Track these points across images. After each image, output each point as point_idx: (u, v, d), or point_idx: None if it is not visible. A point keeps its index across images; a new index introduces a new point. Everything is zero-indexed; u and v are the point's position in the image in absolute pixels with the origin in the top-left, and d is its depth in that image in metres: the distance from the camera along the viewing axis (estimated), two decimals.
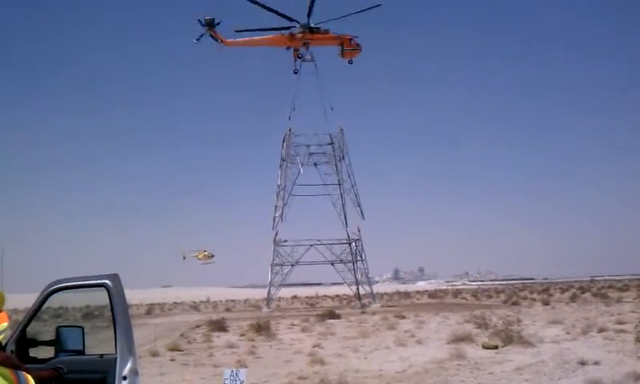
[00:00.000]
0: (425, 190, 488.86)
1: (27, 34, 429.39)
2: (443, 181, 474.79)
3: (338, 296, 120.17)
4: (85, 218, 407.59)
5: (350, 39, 69.94)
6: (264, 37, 69.45)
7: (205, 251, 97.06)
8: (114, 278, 6.41)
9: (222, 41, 66.79)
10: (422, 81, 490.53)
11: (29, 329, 6.43)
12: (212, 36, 65.91)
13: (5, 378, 2.93)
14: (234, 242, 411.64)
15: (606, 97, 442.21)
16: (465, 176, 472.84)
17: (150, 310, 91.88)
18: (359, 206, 79.49)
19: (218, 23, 66.01)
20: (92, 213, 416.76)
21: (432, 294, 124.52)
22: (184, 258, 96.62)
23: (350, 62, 70.84)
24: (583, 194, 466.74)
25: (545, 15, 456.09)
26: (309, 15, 68.18)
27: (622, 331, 26.27)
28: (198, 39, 66.25)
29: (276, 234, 79.40)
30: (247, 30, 68.38)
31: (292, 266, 79.31)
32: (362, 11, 68.62)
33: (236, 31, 67.88)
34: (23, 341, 6.35)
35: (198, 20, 65.52)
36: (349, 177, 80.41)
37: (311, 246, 79.08)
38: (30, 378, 3.05)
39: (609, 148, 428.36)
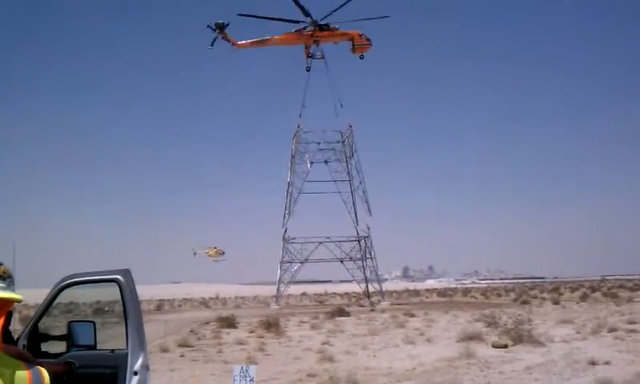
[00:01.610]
0: (435, 187, 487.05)
1: (41, 29, 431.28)
2: (453, 179, 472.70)
3: (347, 294, 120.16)
4: (95, 213, 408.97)
5: (360, 34, 70.21)
6: (275, 37, 69.66)
7: (215, 248, 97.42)
8: (126, 273, 6.42)
9: (233, 43, 67.22)
10: (433, 78, 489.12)
11: (40, 324, 6.46)
12: (224, 38, 66.42)
13: (19, 371, 2.94)
14: (244, 238, 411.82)
15: (615, 93, 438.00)
16: (475, 174, 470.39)
17: (160, 305, 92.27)
18: (367, 202, 79.54)
19: (227, 24, 66.41)
20: (102, 208, 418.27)
21: (441, 293, 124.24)
22: (195, 254, 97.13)
23: (362, 57, 71.28)
24: (594, 193, 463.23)
25: (553, 13, 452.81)
26: (328, 15, 68.47)
27: (632, 331, 26.15)
28: (212, 44, 66.94)
29: (285, 231, 79.54)
30: (251, 16, 68.43)
31: (301, 263, 79.41)
32: (371, 19, 69.62)
33: (238, 15, 68.19)
34: (35, 335, 6.38)
35: (208, 25, 65.99)
36: (357, 173, 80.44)
37: (320, 243, 79.17)
38: (43, 371, 3.07)
39: (620, 146, 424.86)
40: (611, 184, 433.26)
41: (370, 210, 79.62)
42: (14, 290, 3.11)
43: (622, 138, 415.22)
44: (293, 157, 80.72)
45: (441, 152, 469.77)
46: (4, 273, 3.04)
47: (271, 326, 33.31)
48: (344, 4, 66.49)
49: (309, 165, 79.85)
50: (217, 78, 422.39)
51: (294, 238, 79.72)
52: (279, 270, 79.14)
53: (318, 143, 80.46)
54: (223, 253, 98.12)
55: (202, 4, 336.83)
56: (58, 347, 6.44)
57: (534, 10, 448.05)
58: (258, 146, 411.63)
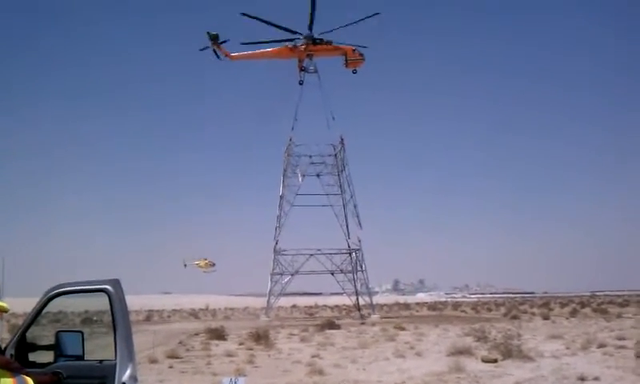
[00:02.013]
0: (426, 201, 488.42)
1: (34, 37, 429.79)
2: (444, 193, 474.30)
3: (337, 306, 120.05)
4: (85, 223, 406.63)
5: (353, 49, 70.30)
6: (269, 50, 69.86)
7: (206, 259, 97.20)
8: (115, 283, 6.40)
9: (226, 55, 67.33)
10: (426, 91, 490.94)
11: (28, 333, 6.41)
12: (215, 51, 66.41)
13: (4, 379, 2.93)
14: (234, 249, 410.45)
15: (608, 109, 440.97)
16: (466, 188, 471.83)
17: (149, 316, 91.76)
18: (357, 216, 79.69)
19: (224, 41, 66.50)
20: (92, 217, 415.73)
21: (432, 306, 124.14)
22: (185, 265, 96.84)
23: (354, 72, 71.31)
24: (584, 208, 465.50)
25: (550, 25, 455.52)
26: (310, 27, 68.53)
27: (622, 347, 26.22)
28: (202, 49, 67.05)
29: (276, 242, 79.47)
30: (253, 43, 68.79)
31: (292, 275, 79.24)
32: (363, 20, 69.15)
33: (242, 44, 68.48)
34: (23, 345, 6.33)
35: (207, 32, 66.13)
36: (348, 187, 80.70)
37: (311, 255, 79.04)
38: (29, 380, 3.05)
39: (611, 161, 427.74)
40: (602, 199, 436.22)
41: (360, 224, 79.78)
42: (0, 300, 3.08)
43: (613, 152, 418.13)
44: (285, 170, 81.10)
45: (432, 166, 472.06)
46: None
47: (261, 338, 33.18)
48: (312, 12, 66.47)
49: (300, 178, 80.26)
50: (209, 89, 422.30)
51: (285, 250, 79.73)
52: (270, 282, 78.97)
53: (310, 156, 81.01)
54: (214, 264, 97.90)
55: (201, 11, 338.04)
56: (46, 357, 6.40)
57: (530, 21, 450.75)
58: (251, 157, 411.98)
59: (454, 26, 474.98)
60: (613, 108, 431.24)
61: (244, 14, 64.14)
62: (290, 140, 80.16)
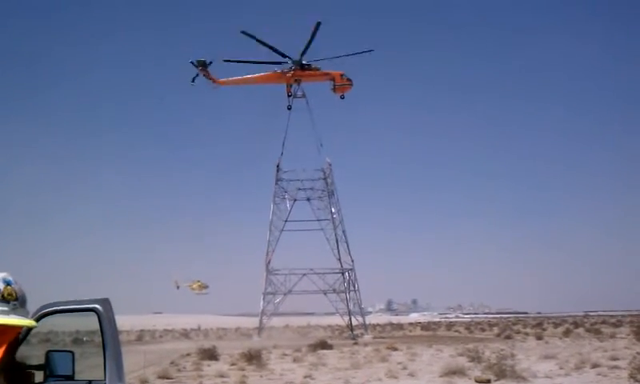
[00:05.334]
0: (420, 221, 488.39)
1: (24, 58, 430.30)
2: (438, 213, 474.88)
3: (330, 326, 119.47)
4: (76, 241, 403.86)
5: (342, 75, 70.39)
6: (257, 75, 69.84)
7: (199, 281, 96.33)
8: (105, 302, 6.35)
9: (214, 80, 67.25)
10: (419, 109, 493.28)
11: (17, 353, 6.34)
12: (205, 76, 66.41)
13: None
14: (226, 269, 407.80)
15: (601, 130, 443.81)
16: (459, 209, 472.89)
17: (141, 336, 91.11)
18: (346, 242, 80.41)
19: (210, 63, 66.53)
20: (83, 236, 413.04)
21: (425, 326, 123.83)
22: (177, 287, 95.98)
23: (342, 98, 71.22)
24: (577, 229, 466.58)
25: (542, 42, 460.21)
26: (303, 53, 68.65)
27: (615, 367, 26.18)
28: (193, 80, 66.87)
29: (269, 262, 79.52)
30: (236, 61, 68.80)
31: (284, 294, 79.15)
32: (356, 54, 69.79)
33: (224, 61, 68.40)
34: (12, 365, 6.26)
35: (191, 61, 66.02)
36: (337, 213, 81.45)
37: (304, 275, 79.07)
38: None
39: (602, 184, 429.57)
40: (595, 220, 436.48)
41: (349, 252, 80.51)
42: (23, 315, 2.68)
43: (605, 174, 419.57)
44: (274, 195, 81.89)
45: (426, 186, 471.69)
46: (9, 295, 2.67)
47: (253, 358, 32.95)
48: (311, 40, 66.79)
49: (288, 205, 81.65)
50: (202, 108, 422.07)
51: (277, 269, 79.77)
52: (262, 302, 78.89)
53: (302, 181, 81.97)
54: (207, 286, 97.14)
55: (189, 41, 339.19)
56: (36, 377, 6.33)
57: (521, 40, 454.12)
58: (243, 175, 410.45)
59: (443, 43, 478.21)
60: (605, 130, 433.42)
61: (243, 32, 64.37)
62: (278, 166, 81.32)
